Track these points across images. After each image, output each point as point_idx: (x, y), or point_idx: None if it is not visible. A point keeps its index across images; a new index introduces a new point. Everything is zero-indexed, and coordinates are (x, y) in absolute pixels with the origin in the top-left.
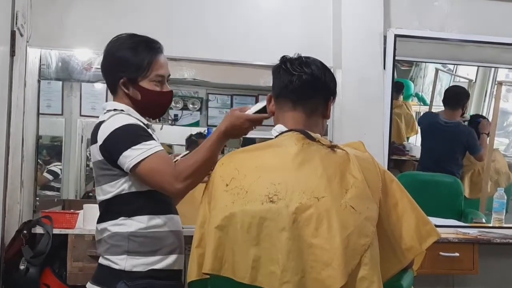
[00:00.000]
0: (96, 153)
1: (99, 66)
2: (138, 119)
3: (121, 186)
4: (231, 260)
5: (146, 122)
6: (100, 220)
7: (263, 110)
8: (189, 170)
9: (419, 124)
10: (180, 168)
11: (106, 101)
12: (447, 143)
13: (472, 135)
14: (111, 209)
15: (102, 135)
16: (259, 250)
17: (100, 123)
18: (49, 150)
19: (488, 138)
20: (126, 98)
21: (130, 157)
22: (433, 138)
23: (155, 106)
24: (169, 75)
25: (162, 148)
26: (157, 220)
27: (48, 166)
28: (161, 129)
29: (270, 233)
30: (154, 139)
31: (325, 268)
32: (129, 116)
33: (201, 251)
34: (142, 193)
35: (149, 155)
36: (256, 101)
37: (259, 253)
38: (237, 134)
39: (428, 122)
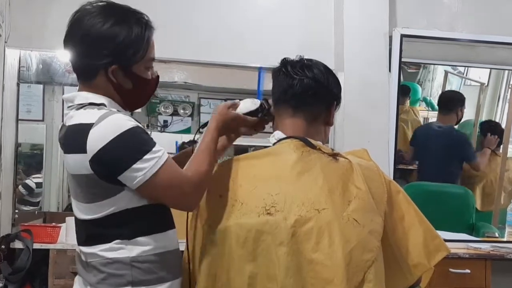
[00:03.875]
0: (81, 166)
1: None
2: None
3: (114, 204)
4: (225, 277)
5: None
6: (86, 242)
7: (255, 112)
8: (201, 177)
9: (414, 138)
10: (193, 176)
11: None
12: (442, 149)
13: (465, 141)
14: (102, 231)
15: (94, 144)
16: (256, 266)
17: (85, 126)
18: (29, 159)
19: (501, 147)
20: (106, 87)
21: (140, 171)
22: (427, 144)
23: (144, 95)
24: None
25: (167, 153)
26: (161, 238)
27: (24, 180)
28: None
29: (267, 248)
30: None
31: (326, 285)
32: (122, 115)
33: (193, 267)
34: (141, 209)
35: (161, 166)
36: None
37: (255, 269)
38: (226, 134)
39: (422, 132)
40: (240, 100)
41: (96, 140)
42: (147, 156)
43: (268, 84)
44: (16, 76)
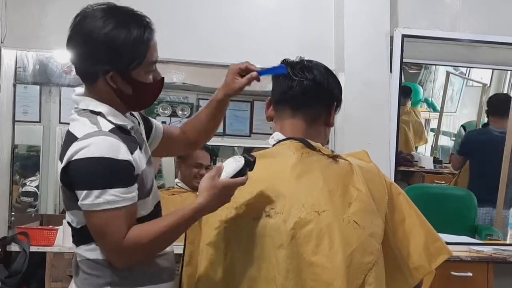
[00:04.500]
0: (59, 172)
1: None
2: (121, 125)
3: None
4: (224, 280)
5: (131, 124)
6: (74, 241)
7: (241, 170)
8: (137, 247)
9: (465, 144)
10: (129, 241)
11: None
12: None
13: None
14: (83, 233)
15: (68, 157)
16: (255, 269)
17: (72, 137)
18: (26, 161)
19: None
20: (107, 91)
21: (84, 199)
22: (485, 151)
23: (146, 99)
24: None
25: (133, 201)
26: None
27: (21, 188)
28: None
29: (267, 251)
30: (133, 184)
31: None
32: (112, 138)
33: (191, 270)
34: None
35: (104, 210)
36: (251, 107)
37: (255, 272)
38: (219, 206)
39: (476, 138)
40: (221, 163)
41: (70, 154)
42: (95, 191)
43: (267, 85)
44: (12, 77)
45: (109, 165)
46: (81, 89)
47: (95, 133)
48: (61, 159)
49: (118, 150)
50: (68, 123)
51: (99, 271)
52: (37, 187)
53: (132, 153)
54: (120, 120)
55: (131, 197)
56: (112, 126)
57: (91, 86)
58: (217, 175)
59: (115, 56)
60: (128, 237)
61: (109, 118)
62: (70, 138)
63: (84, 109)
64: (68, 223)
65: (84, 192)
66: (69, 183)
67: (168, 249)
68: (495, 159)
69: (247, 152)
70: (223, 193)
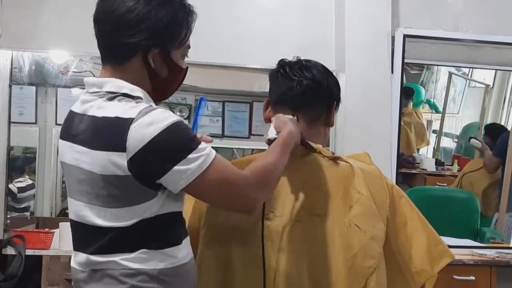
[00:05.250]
0: (113, 165)
1: (77, 69)
2: None
3: (148, 210)
4: (222, 284)
5: None
6: (100, 250)
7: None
8: (264, 174)
9: (501, 147)
10: (252, 174)
11: None
12: None
13: None
14: (126, 238)
15: (135, 142)
16: (254, 273)
17: (123, 121)
18: (22, 162)
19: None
20: (139, 72)
21: (186, 171)
22: None
23: (173, 86)
24: None
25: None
26: (183, 248)
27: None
28: None
29: (266, 254)
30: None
31: None
32: (163, 110)
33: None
34: (169, 215)
35: (209, 165)
36: (250, 108)
37: (253, 276)
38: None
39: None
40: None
41: (137, 138)
42: (192, 155)
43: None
44: (8, 78)
45: (185, 126)
46: (94, 78)
47: (150, 108)
48: (108, 148)
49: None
50: None
51: (145, 283)
52: (21, 188)
53: None
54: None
55: (209, 146)
56: None
57: (119, 66)
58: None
59: (163, 32)
60: (248, 169)
61: (152, 104)
62: (118, 123)
63: (112, 92)
64: (107, 227)
65: (183, 160)
66: (150, 169)
67: (192, 254)
68: None
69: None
70: (293, 125)
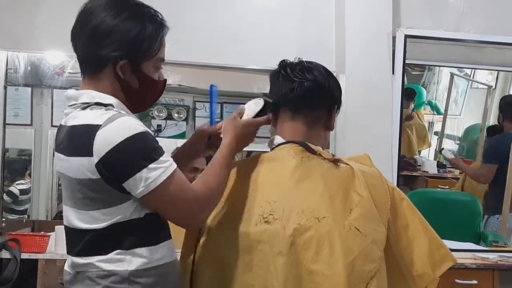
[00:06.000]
0: (85, 169)
1: (73, 70)
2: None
3: (122, 213)
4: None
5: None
6: (81, 252)
7: (262, 111)
8: (211, 194)
9: (493, 152)
10: (201, 193)
11: None
12: None
13: None
14: (102, 240)
15: (102, 147)
16: (252, 278)
17: (92, 127)
18: (17, 165)
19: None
20: (111, 83)
21: (146, 180)
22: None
23: (149, 97)
24: None
25: (175, 163)
26: (160, 250)
27: (8, 187)
28: None
29: (264, 258)
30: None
31: None
32: (131, 118)
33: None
34: (145, 217)
35: (167, 178)
36: None
37: (251, 281)
38: (245, 144)
39: (504, 144)
40: (242, 105)
41: (103, 143)
42: (153, 165)
43: (266, 86)
44: (3, 79)
45: (150, 137)
46: (74, 90)
47: (118, 115)
48: (80, 154)
49: (142, 124)
50: None
51: (117, 284)
52: (23, 191)
53: None
54: (131, 116)
55: (170, 157)
56: None
57: (94, 76)
58: (239, 116)
59: (130, 44)
60: (199, 187)
61: (121, 111)
62: (87, 129)
63: (86, 103)
64: (86, 229)
65: (144, 170)
66: (115, 173)
67: (174, 257)
68: None
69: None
70: (246, 132)
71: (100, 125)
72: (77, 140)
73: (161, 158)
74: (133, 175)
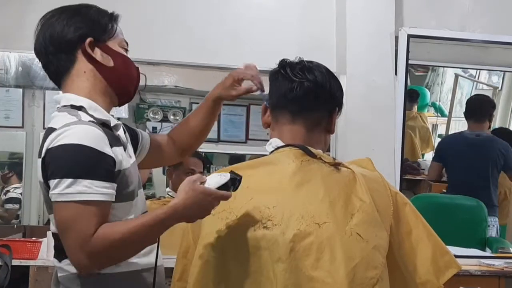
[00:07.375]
0: (40, 170)
1: None
2: (104, 120)
3: None
4: None
5: (114, 122)
6: (56, 256)
7: (224, 187)
8: (106, 246)
9: (440, 152)
10: (97, 238)
11: None
12: (479, 161)
13: (509, 150)
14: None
15: (44, 150)
16: (251, 284)
17: (49, 130)
18: (7, 168)
19: None
20: (89, 77)
21: (53, 190)
22: (461, 157)
23: (129, 78)
24: None
25: (107, 199)
26: None
27: (4, 196)
28: None
29: (263, 265)
30: (111, 180)
31: None
32: (93, 127)
33: (183, 285)
34: None
35: (72, 201)
36: (248, 112)
37: (251, 287)
38: (195, 215)
39: (450, 144)
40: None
41: (47, 144)
42: (66, 181)
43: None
44: None
45: (85, 154)
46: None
47: (74, 123)
48: (39, 155)
49: (98, 140)
50: None
51: (70, 284)
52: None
53: (112, 147)
54: (103, 115)
55: (106, 192)
56: (93, 120)
57: (69, 77)
58: (198, 180)
59: (89, 22)
60: (97, 235)
61: (91, 112)
62: (48, 132)
63: (64, 106)
64: (53, 233)
65: (55, 180)
66: (46, 173)
67: (158, 263)
68: (475, 165)
69: (239, 160)
70: (202, 200)
71: (55, 129)
72: (41, 142)
73: (86, 181)
74: (54, 178)
